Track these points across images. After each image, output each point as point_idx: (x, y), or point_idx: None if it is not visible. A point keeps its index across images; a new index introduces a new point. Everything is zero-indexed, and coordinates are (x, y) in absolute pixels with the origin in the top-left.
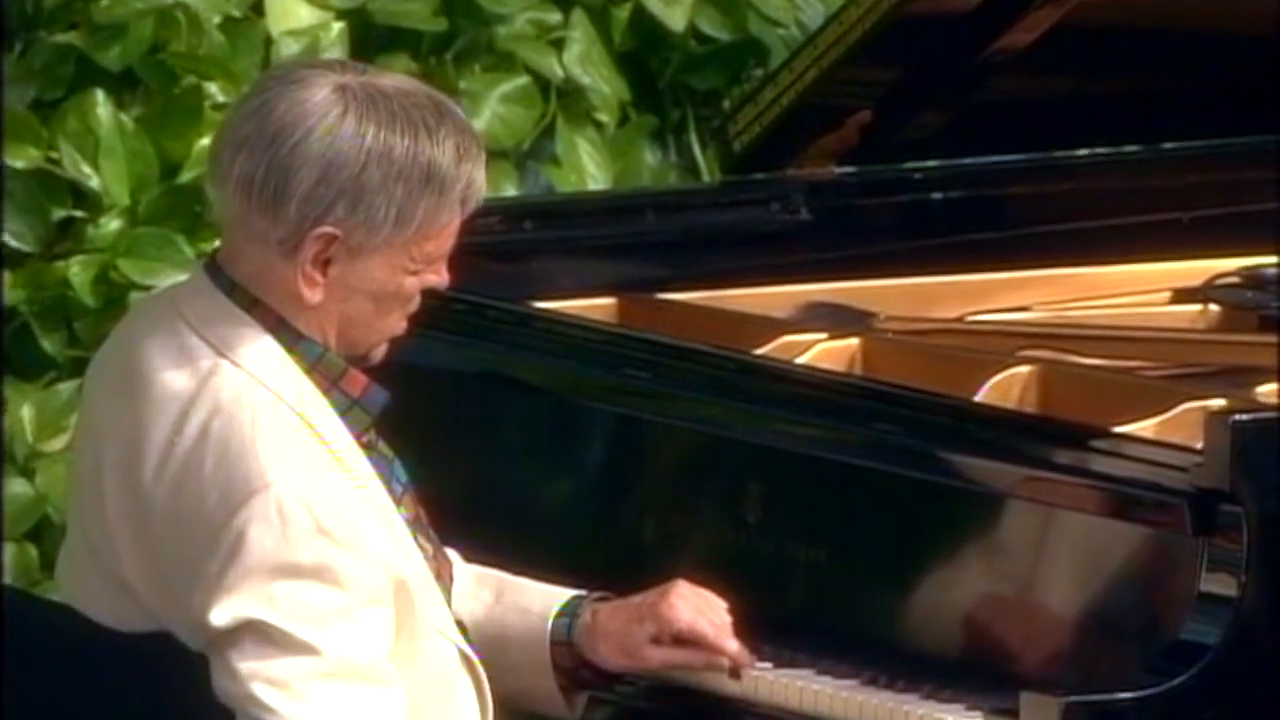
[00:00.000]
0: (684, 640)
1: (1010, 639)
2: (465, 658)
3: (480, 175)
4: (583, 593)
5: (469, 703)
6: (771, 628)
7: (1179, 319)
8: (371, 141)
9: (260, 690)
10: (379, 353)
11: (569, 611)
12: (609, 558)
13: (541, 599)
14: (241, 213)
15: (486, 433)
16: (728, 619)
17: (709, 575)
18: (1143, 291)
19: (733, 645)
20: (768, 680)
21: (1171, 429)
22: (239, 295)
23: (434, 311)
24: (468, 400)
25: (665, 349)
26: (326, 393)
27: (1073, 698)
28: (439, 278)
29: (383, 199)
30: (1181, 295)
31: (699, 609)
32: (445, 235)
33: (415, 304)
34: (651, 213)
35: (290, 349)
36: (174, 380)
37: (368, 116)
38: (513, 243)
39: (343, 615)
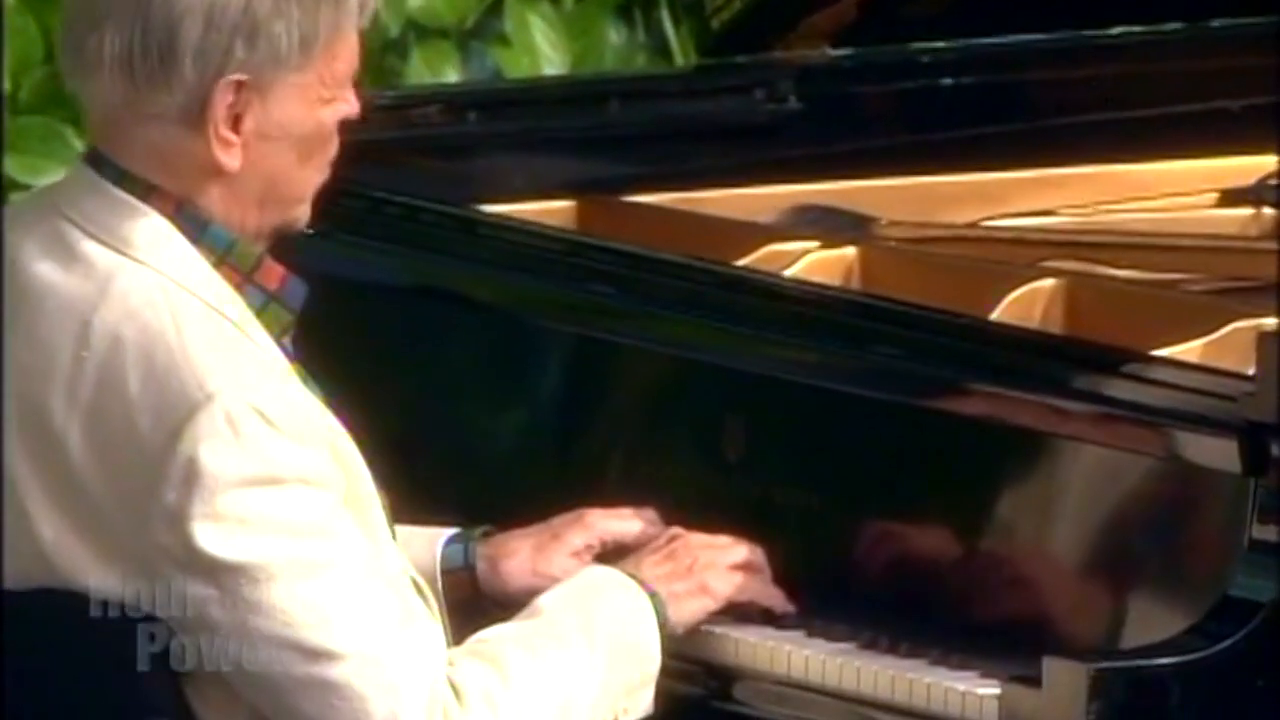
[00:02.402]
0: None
1: (1031, 595)
2: (414, 582)
3: None
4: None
5: (431, 622)
6: None
7: (1227, 223)
8: None
9: (295, 624)
10: (304, 213)
11: (462, 539)
12: (566, 504)
13: (421, 533)
14: (125, 95)
15: (423, 358)
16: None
17: (683, 523)
18: (1185, 192)
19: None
20: (749, 644)
21: (1218, 352)
22: (130, 184)
23: (362, 215)
24: (401, 319)
25: (632, 259)
26: (239, 288)
27: (1104, 663)
28: (351, 106)
29: (281, 25)
30: (1230, 196)
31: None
32: (351, 50)
33: (335, 146)
34: (616, 102)
35: (196, 240)
36: (69, 289)
37: None
38: (455, 136)
39: (336, 515)
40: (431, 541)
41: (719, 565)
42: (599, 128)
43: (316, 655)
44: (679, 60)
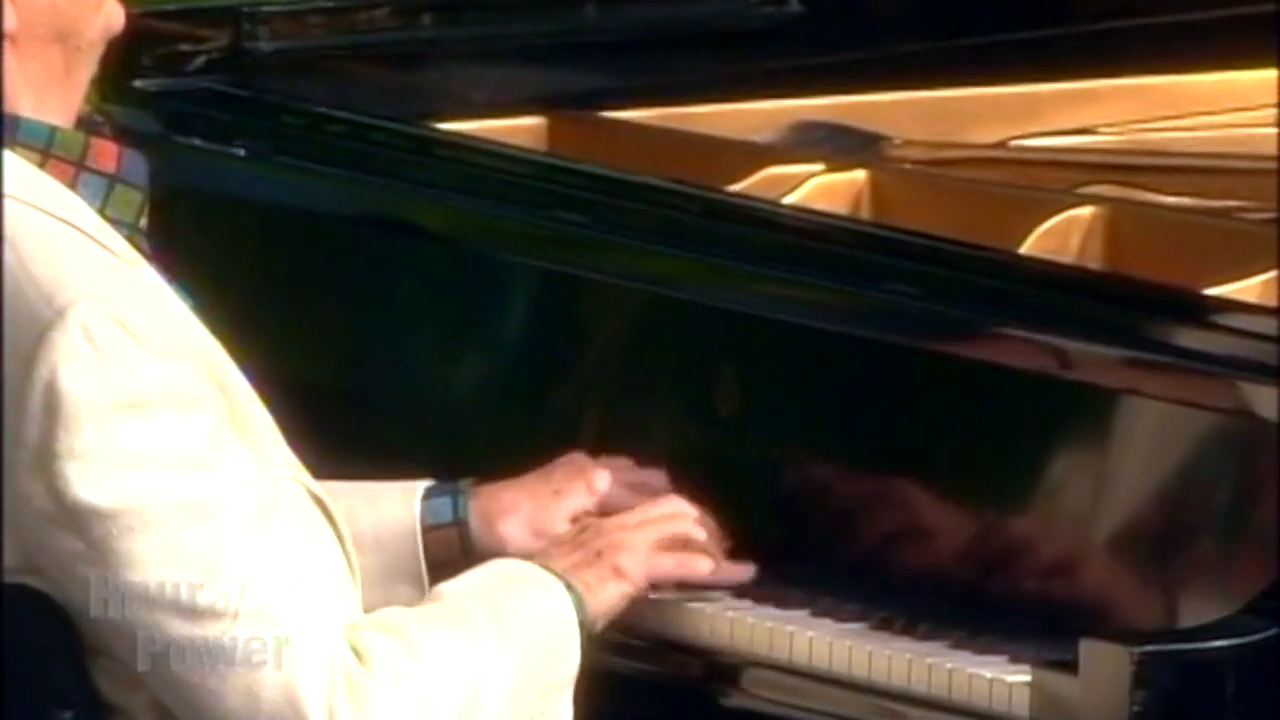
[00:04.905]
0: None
1: (1066, 569)
2: (314, 497)
3: None
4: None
5: (330, 544)
6: (753, 556)
7: None
8: None
9: (174, 580)
10: (114, 20)
11: (447, 491)
12: (534, 462)
13: (391, 488)
14: None
15: (372, 296)
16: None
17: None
18: (1241, 108)
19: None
20: (747, 624)
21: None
22: None
23: (301, 134)
24: (347, 253)
25: (609, 184)
26: (75, 183)
27: (1149, 647)
28: None
29: None
30: None
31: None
32: None
33: None
34: (591, 4)
35: (11, 144)
36: None
37: None
38: (407, 43)
39: (218, 443)
40: (407, 495)
41: (632, 545)
42: (572, 33)
43: (200, 615)
44: None
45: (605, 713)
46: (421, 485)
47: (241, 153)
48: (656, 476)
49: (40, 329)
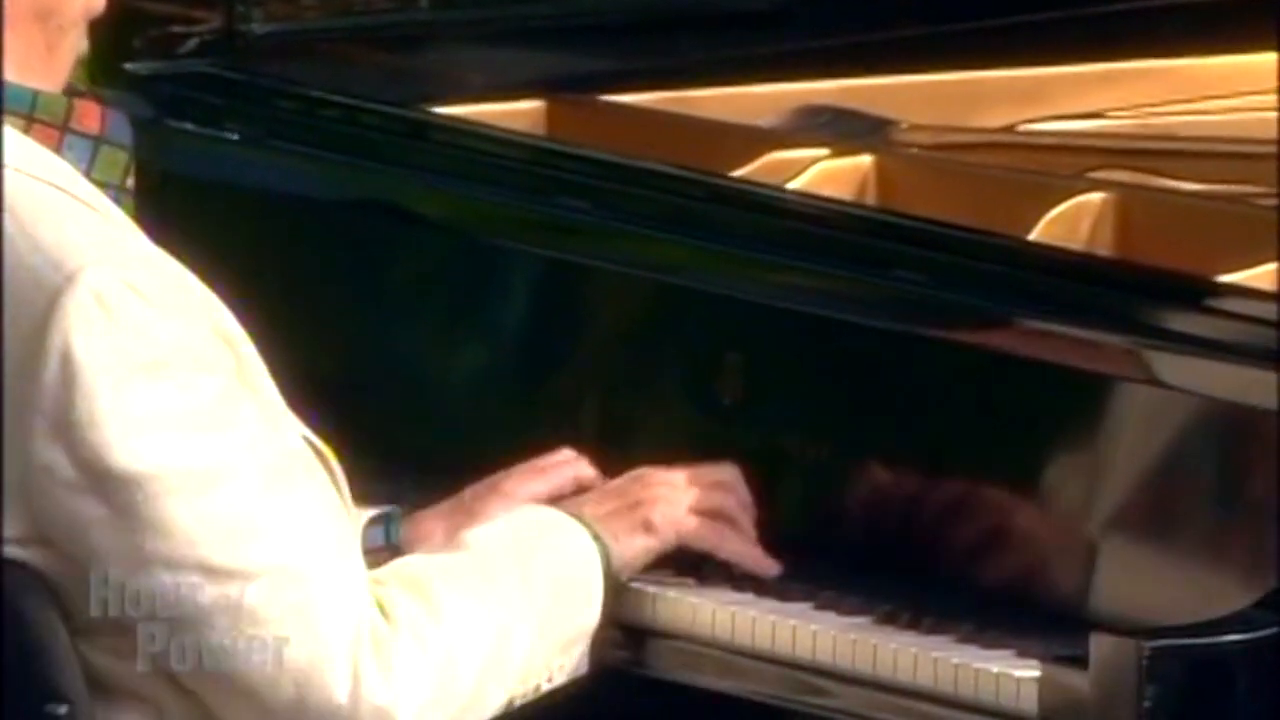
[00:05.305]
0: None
1: (1075, 560)
2: (317, 450)
3: None
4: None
5: (329, 492)
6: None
7: None
8: None
9: (199, 541)
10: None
11: (382, 519)
12: (533, 453)
13: None
14: None
15: (368, 284)
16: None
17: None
18: (1258, 91)
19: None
20: (747, 617)
21: None
22: None
23: (296, 118)
24: (343, 239)
25: (609, 169)
26: (59, 147)
27: (1160, 641)
28: None
29: None
30: None
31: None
32: None
33: None
34: None
35: None
36: None
37: None
38: (403, 25)
39: (233, 402)
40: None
41: (672, 501)
42: (571, 15)
43: (226, 575)
44: None
45: (602, 707)
46: (366, 514)
47: (235, 137)
48: (580, 464)
49: (51, 295)
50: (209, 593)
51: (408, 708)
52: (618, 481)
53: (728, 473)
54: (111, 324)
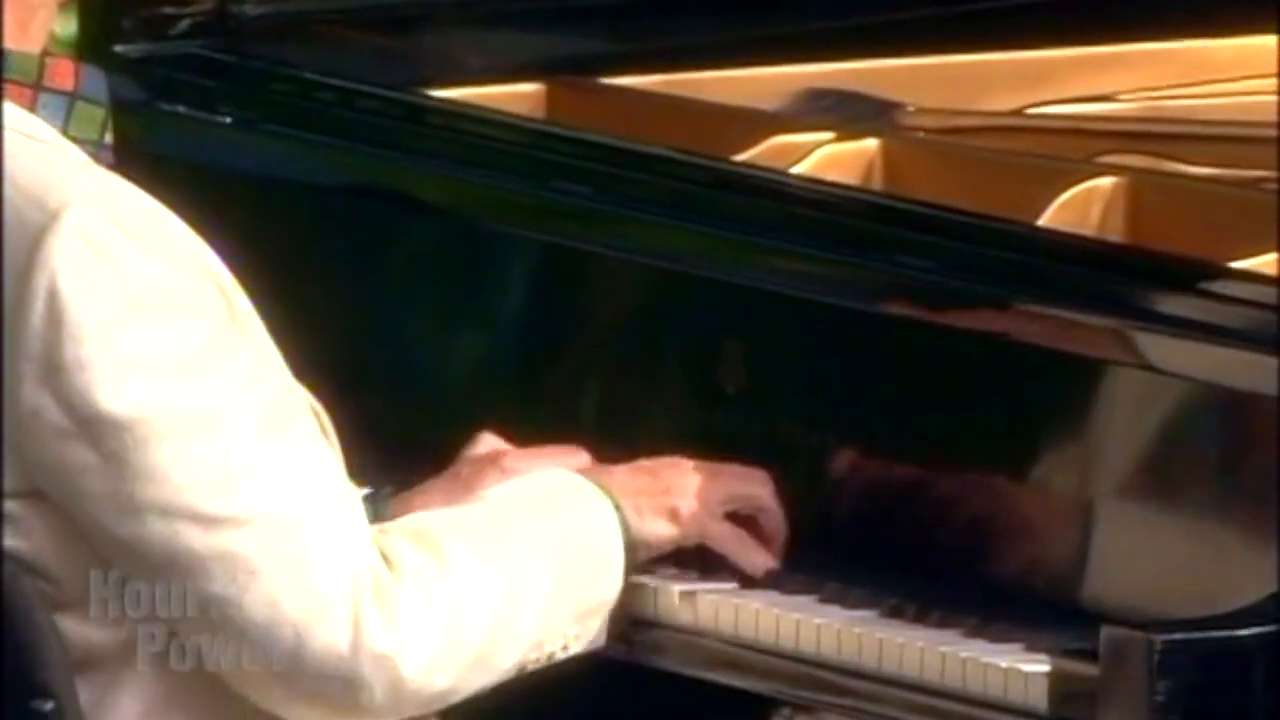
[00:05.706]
0: None
1: (1086, 552)
2: (311, 408)
3: None
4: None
5: (324, 443)
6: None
7: None
8: None
9: (192, 486)
10: None
11: (369, 499)
12: (533, 441)
13: None
14: None
15: (364, 270)
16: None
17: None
18: (1263, 74)
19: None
20: (750, 610)
21: None
22: None
23: (291, 102)
24: (338, 224)
25: (610, 154)
26: (33, 106)
27: (1173, 634)
28: None
29: None
30: None
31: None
32: None
33: None
34: None
35: None
36: None
37: None
38: (399, 7)
39: (226, 345)
40: None
41: (702, 495)
42: None
43: (220, 523)
44: None
45: (606, 701)
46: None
47: (227, 121)
48: (579, 455)
49: (36, 234)
50: (202, 540)
51: (412, 658)
52: (650, 461)
53: (764, 484)
54: (98, 262)
